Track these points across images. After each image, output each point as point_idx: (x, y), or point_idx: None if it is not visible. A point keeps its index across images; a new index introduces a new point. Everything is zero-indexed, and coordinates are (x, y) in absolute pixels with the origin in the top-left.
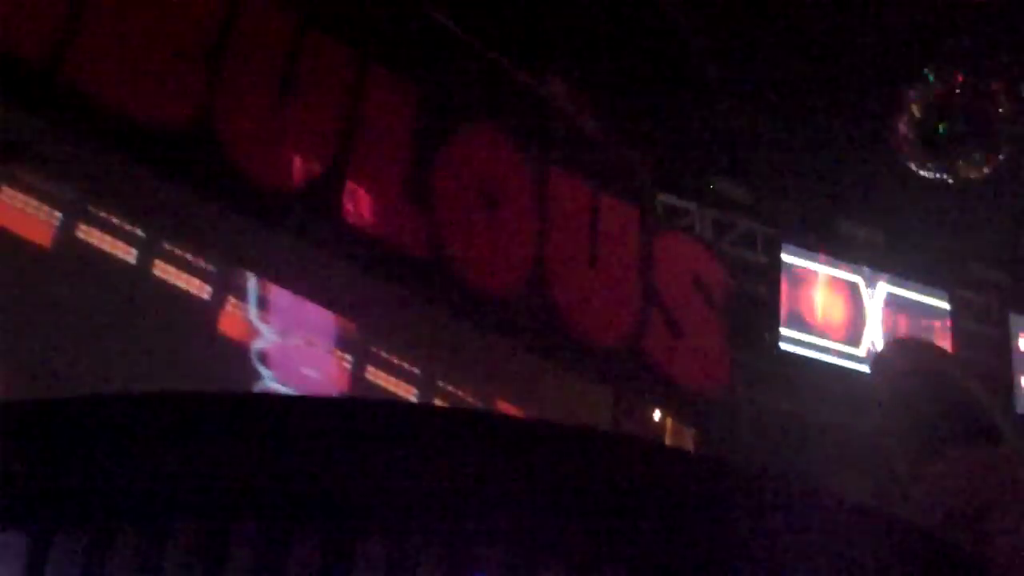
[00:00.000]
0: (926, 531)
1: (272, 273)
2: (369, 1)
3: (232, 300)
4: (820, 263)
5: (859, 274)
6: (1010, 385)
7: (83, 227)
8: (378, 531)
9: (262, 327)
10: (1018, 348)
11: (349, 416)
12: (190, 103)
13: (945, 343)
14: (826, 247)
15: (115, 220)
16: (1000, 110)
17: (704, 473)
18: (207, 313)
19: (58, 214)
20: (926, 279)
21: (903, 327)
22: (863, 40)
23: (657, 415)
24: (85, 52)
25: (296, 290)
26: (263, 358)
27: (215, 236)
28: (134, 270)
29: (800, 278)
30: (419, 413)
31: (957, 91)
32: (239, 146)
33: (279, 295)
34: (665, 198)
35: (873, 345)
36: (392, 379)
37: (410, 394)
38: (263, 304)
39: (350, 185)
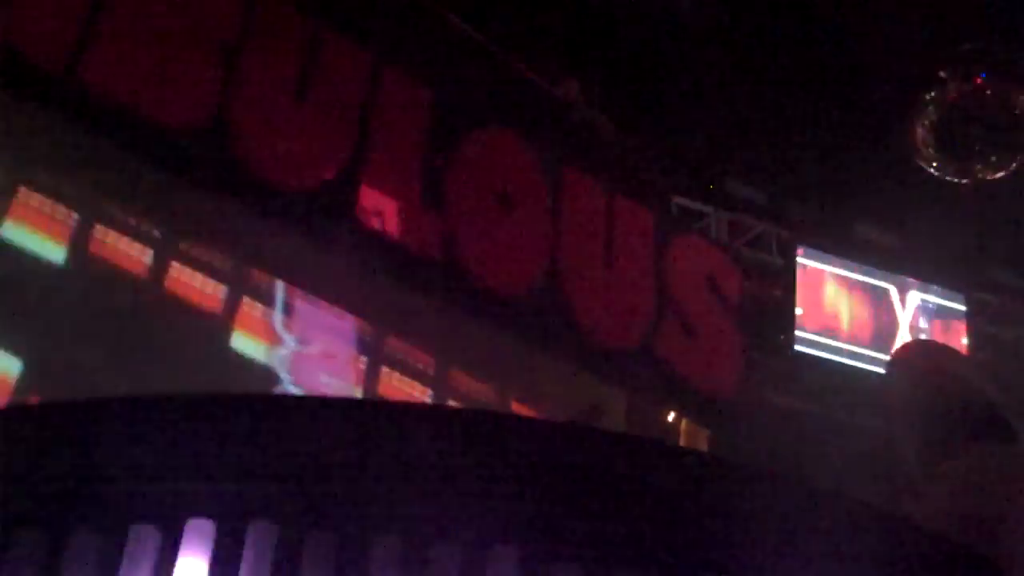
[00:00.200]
0: (941, 534)
1: (288, 274)
2: (384, 3)
3: (259, 306)
4: (835, 266)
5: (875, 276)
6: None
7: (99, 228)
8: (393, 528)
9: (285, 335)
10: None
11: (364, 415)
12: (206, 104)
13: (961, 345)
14: (842, 249)
15: (131, 222)
16: (1017, 111)
17: (717, 474)
18: (226, 317)
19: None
20: (943, 281)
21: (919, 329)
22: (879, 42)
23: (671, 417)
24: (102, 53)
25: (312, 291)
26: (284, 364)
27: (233, 238)
28: (150, 274)
29: (815, 280)
30: (434, 413)
31: (974, 93)
32: (254, 147)
33: (303, 306)
34: (680, 200)
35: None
36: (407, 380)
37: (425, 395)
38: (288, 311)
39: (364, 186)
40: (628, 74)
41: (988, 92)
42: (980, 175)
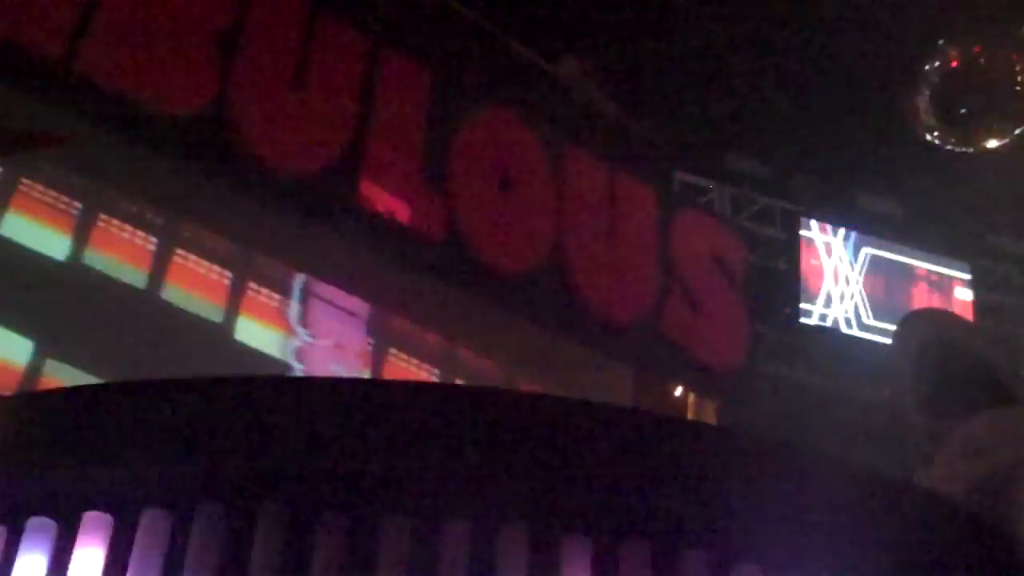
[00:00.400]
0: (950, 501)
1: (292, 258)
2: None
3: (275, 296)
4: (838, 237)
5: (878, 247)
6: None
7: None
8: (403, 508)
9: (299, 328)
10: None
11: (372, 396)
12: (205, 91)
13: (966, 313)
14: (845, 221)
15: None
16: (1018, 79)
17: (724, 445)
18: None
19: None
20: (947, 250)
21: (924, 298)
22: (880, 12)
23: (679, 391)
24: (100, 42)
25: (316, 274)
26: (297, 354)
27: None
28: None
29: (818, 252)
30: (441, 392)
31: (973, 61)
32: (254, 133)
33: (318, 303)
34: (682, 176)
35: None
36: (415, 361)
37: (432, 376)
38: (304, 306)
39: (366, 170)
40: (628, 51)
41: (987, 61)
42: (981, 143)
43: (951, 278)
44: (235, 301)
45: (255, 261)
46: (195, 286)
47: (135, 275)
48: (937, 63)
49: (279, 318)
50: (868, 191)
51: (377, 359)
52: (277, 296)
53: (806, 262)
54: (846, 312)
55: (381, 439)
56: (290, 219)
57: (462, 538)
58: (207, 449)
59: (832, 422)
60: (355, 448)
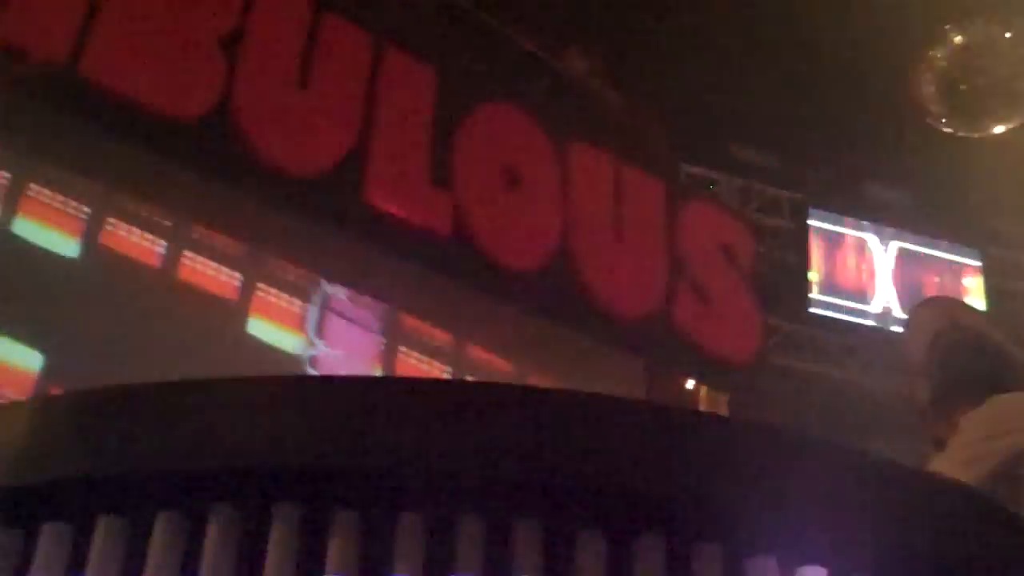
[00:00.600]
0: (969, 490)
1: (301, 258)
2: None
3: (296, 302)
4: (847, 226)
5: (887, 236)
6: None
7: (111, 221)
8: (416, 505)
9: (315, 339)
10: None
11: (384, 393)
12: (209, 93)
13: (977, 300)
14: (853, 210)
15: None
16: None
17: (738, 437)
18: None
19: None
20: (957, 237)
21: (934, 286)
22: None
23: (690, 384)
24: (103, 46)
25: (324, 273)
26: (311, 362)
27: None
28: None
29: (827, 242)
30: (454, 387)
31: (980, 46)
32: (259, 134)
33: (336, 320)
34: (689, 167)
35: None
36: (425, 358)
37: (443, 373)
38: (321, 320)
39: (372, 168)
40: (632, 43)
41: (994, 45)
42: (990, 129)
43: (961, 265)
44: (244, 302)
45: (265, 263)
46: (206, 287)
47: (143, 277)
48: (944, 48)
49: (293, 320)
50: (875, 180)
51: (388, 357)
52: (287, 297)
53: (814, 252)
54: (855, 302)
55: (393, 436)
56: (298, 219)
57: (477, 534)
58: (221, 450)
59: (844, 412)
60: (368, 446)
